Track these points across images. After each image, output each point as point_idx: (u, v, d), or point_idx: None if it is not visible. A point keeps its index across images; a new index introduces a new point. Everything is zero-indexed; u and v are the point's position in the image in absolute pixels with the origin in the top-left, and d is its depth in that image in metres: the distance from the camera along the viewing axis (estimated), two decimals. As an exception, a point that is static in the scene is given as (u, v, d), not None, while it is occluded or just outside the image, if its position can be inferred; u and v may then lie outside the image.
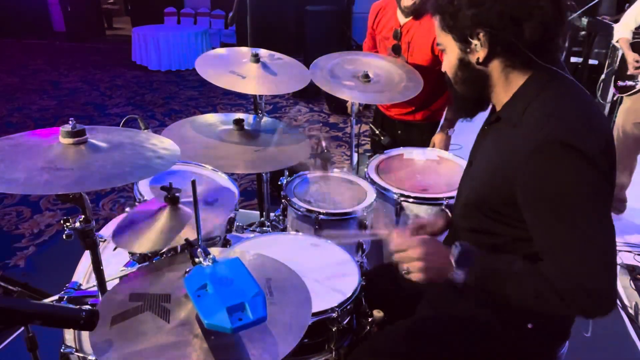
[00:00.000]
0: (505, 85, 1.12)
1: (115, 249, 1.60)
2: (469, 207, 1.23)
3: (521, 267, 1.08)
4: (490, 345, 1.24)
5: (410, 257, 1.14)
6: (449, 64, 1.17)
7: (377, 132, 2.36)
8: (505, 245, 1.15)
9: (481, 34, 1.05)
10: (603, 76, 4.12)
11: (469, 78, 1.15)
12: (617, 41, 3.24)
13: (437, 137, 2.48)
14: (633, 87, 3.15)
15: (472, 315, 1.26)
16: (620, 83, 3.26)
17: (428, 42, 2.29)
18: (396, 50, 2.43)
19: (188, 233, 1.24)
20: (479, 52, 1.08)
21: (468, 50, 1.10)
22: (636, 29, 3.19)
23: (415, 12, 2.30)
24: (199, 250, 1.00)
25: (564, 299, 1.01)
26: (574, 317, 1.24)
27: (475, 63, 1.10)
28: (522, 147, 1.02)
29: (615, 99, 3.89)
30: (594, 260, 0.99)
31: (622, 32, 3.19)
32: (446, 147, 2.47)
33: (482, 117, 1.29)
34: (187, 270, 1.01)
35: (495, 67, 1.10)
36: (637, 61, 3.07)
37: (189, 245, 1.06)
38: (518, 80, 1.10)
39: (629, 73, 3.15)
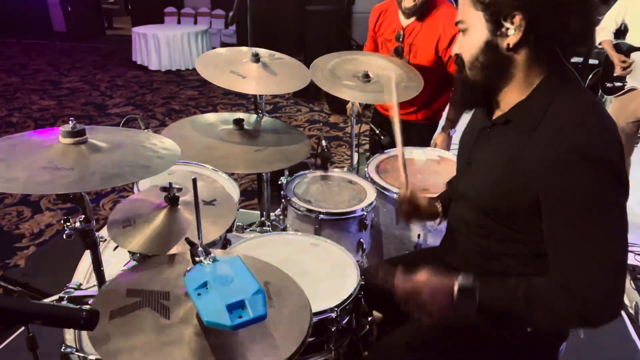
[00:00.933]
0: (523, 79, 1.06)
1: (115, 248, 1.61)
2: (472, 210, 1.21)
3: (526, 289, 1.04)
4: (489, 350, 1.24)
5: (414, 305, 1.11)
6: (469, 45, 1.07)
7: (377, 131, 2.36)
8: (506, 245, 1.15)
9: (518, 17, 0.98)
10: (588, 80, 4.10)
11: (491, 64, 1.06)
12: (599, 44, 3.23)
13: (439, 137, 2.48)
14: (621, 87, 3.13)
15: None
16: (607, 84, 3.23)
17: (431, 43, 2.29)
18: (398, 53, 2.43)
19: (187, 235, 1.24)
20: (511, 36, 1.00)
21: (499, 33, 1.01)
22: (617, 30, 3.18)
23: (416, 13, 2.30)
24: (199, 249, 1.00)
25: (577, 312, 1.00)
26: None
27: (504, 48, 1.03)
28: (542, 157, 0.99)
29: (603, 100, 3.89)
30: (612, 276, 0.98)
31: (603, 34, 3.15)
32: (448, 147, 2.47)
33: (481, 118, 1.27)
34: (187, 269, 1.01)
35: (521, 56, 1.03)
36: (623, 62, 3.04)
37: (190, 245, 1.06)
38: (535, 77, 1.05)
39: (616, 74, 3.13)
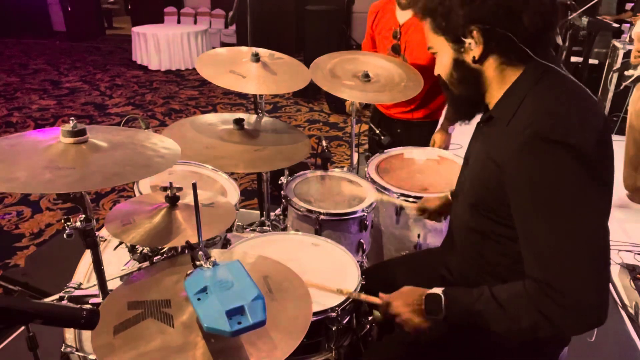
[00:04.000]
0: (500, 82, 1.09)
1: (115, 248, 1.61)
2: (465, 207, 1.22)
3: (488, 298, 1.07)
4: (488, 353, 1.23)
5: (392, 314, 1.21)
6: (442, 66, 1.15)
7: (377, 131, 2.36)
8: (503, 245, 1.15)
9: (475, 32, 1.03)
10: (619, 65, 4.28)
11: (465, 78, 1.12)
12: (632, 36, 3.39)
13: (437, 136, 2.48)
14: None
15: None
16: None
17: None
18: (396, 50, 2.43)
19: (186, 235, 1.24)
20: (474, 50, 1.06)
21: (462, 49, 1.08)
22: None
23: (413, 6, 2.29)
24: (199, 253, 1.00)
25: (547, 316, 0.97)
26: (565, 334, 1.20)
27: (470, 62, 1.08)
28: (510, 145, 1.00)
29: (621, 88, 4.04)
30: (579, 268, 0.94)
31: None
32: (447, 146, 2.47)
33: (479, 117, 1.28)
34: (187, 272, 1.01)
35: (490, 64, 1.08)
36: (638, 51, 3.13)
37: (190, 248, 1.06)
38: (512, 76, 1.08)
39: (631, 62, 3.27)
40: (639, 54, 3.16)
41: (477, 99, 1.17)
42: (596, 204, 0.96)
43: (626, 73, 3.42)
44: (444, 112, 2.54)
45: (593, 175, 0.94)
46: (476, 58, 1.07)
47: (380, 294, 1.27)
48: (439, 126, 2.54)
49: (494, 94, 1.12)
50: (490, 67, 1.09)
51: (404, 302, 1.20)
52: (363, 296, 1.34)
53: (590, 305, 0.94)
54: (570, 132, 0.94)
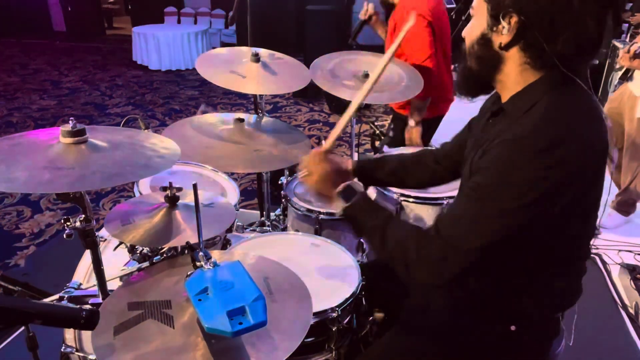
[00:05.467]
0: (517, 78, 1.06)
1: (115, 248, 1.60)
2: None
3: (388, 217, 1.14)
4: (473, 352, 1.23)
5: (311, 168, 1.28)
6: (471, 31, 1.10)
7: (377, 132, 2.36)
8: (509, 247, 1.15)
9: (514, 19, 0.98)
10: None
11: (483, 56, 1.08)
12: None
13: (413, 132, 2.48)
14: None
15: (451, 323, 1.25)
16: None
17: None
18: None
19: (186, 236, 1.24)
20: (504, 36, 1.01)
21: (495, 29, 1.03)
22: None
23: None
24: (200, 253, 1.00)
25: (408, 247, 1.05)
26: (552, 314, 1.20)
27: (496, 45, 1.04)
28: (505, 137, 1.00)
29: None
30: (464, 225, 1.01)
31: None
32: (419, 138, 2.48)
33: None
34: (188, 273, 1.01)
35: (513, 57, 1.04)
36: (626, 52, 3.07)
37: (190, 249, 1.06)
38: (531, 77, 1.04)
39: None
40: (626, 55, 3.07)
41: (487, 81, 1.13)
42: (522, 210, 0.97)
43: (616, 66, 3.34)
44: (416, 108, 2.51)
45: (564, 189, 0.95)
46: (502, 44, 1.03)
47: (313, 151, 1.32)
48: (410, 123, 2.52)
49: (509, 87, 1.08)
50: (511, 61, 1.05)
51: (328, 169, 1.28)
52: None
53: (443, 257, 1.02)
54: (556, 145, 0.93)
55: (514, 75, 1.06)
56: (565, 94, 1.01)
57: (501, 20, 1.01)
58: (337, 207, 1.23)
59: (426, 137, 2.56)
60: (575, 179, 0.96)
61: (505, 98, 1.11)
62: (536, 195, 0.95)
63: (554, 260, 1.10)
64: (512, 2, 0.98)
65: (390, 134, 2.70)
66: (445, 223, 1.04)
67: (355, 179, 1.46)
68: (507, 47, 1.03)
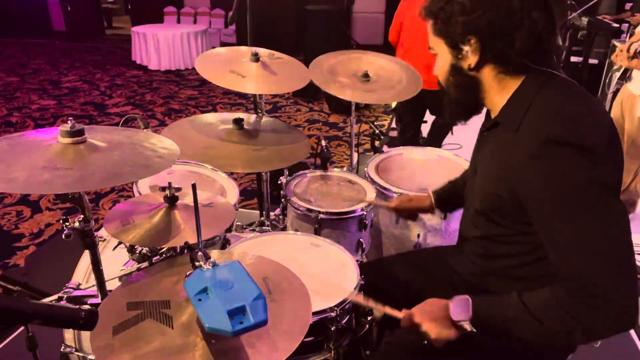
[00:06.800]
0: (500, 90, 1.10)
1: (115, 248, 1.60)
2: (475, 214, 1.22)
3: (518, 305, 1.04)
4: (476, 351, 1.22)
5: (415, 324, 1.14)
6: (440, 68, 1.17)
7: (377, 132, 2.36)
8: (509, 245, 1.15)
9: (472, 41, 1.05)
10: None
11: (461, 83, 1.14)
12: None
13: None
14: None
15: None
16: None
17: None
18: None
19: (185, 236, 1.24)
20: (470, 58, 1.08)
21: (460, 56, 1.09)
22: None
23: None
24: (199, 253, 1.00)
25: (579, 320, 0.95)
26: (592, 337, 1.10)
27: (467, 69, 1.10)
28: (522, 151, 1.00)
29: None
30: (607, 267, 0.93)
31: None
32: None
33: (479, 117, 1.28)
34: (187, 273, 1.01)
35: (487, 73, 1.09)
36: (621, 50, 3.04)
37: (189, 249, 1.06)
38: (512, 84, 1.09)
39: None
40: (621, 53, 3.07)
41: (474, 104, 1.18)
42: (614, 203, 0.96)
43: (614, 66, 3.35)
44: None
45: (607, 170, 0.95)
46: (472, 66, 1.09)
47: (404, 310, 1.19)
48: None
49: (496, 101, 1.13)
50: (487, 76, 1.10)
51: (426, 311, 1.14)
52: (388, 309, 1.24)
53: (621, 305, 0.93)
54: (581, 132, 0.95)
55: (496, 87, 1.11)
56: (552, 87, 1.05)
57: (461, 47, 1.07)
58: (458, 332, 1.11)
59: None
60: (610, 146, 0.97)
61: (496, 112, 1.14)
62: (608, 179, 0.95)
63: None
64: (463, 28, 1.05)
65: (390, 133, 2.70)
66: (582, 275, 0.95)
67: (437, 214, 1.63)
68: (478, 66, 1.09)
